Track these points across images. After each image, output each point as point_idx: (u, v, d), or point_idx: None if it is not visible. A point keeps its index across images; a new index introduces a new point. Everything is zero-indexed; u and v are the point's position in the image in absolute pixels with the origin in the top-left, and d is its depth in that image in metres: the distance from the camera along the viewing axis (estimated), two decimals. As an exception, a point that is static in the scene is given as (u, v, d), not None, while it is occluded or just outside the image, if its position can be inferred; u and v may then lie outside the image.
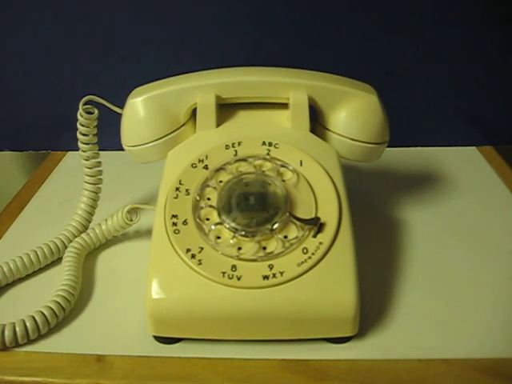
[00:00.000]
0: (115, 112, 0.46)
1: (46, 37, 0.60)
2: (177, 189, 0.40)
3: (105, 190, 0.50)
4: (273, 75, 0.44)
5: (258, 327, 0.36)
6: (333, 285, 0.36)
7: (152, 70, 0.50)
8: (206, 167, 0.41)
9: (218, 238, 0.38)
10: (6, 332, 0.37)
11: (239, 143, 0.42)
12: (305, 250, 0.37)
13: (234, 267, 0.36)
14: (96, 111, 0.46)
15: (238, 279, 0.35)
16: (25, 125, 0.67)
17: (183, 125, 0.44)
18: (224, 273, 0.36)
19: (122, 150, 0.46)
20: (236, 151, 0.42)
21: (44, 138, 0.67)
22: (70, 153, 0.67)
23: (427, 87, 0.62)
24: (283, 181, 0.40)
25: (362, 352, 0.37)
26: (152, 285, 0.36)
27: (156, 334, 0.38)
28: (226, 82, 0.44)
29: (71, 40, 0.60)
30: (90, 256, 0.47)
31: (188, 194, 0.40)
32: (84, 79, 0.62)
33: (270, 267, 0.36)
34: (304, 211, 0.38)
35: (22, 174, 0.73)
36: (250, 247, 0.37)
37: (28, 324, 0.38)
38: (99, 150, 0.48)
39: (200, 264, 0.36)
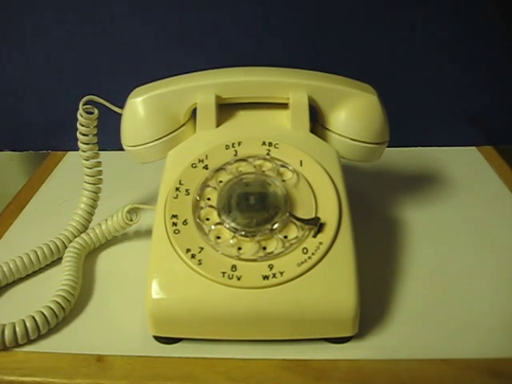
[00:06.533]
0: (115, 112, 0.46)
1: (46, 37, 0.60)
2: (177, 189, 0.40)
3: (105, 190, 0.50)
4: (273, 75, 0.44)
5: (258, 327, 0.36)
6: (333, 285, 0.36)
7: (152, 70, 0.50)
8: (206, 167, 0.41)
9: (218, 238, 0.38)
10: (6, 332, 0.37)
11: (239, 143, 0.42)
12: (305, 250, 0.37)
13: (234, 267, 0.36)
14: (96, 111, 0.46)
15: (238, 279, 0.35)
16: (25, 125, 0.67)
17: (183, 125, 0.44)
18: (224, 273, 0.36)
19: (122, 149, 0.46)
20: (236, 151, 0.42)
21: (44, 137, 0.67)
22: (69, 153, 0.67)
23: (427, 87, 0.62)
24: (283, 181, 0.40)
25: (362, 352, 0.37)
26: (152, 285, 0.36)
27: (156, 334, 0.38)
28: (225, 82, 0.44)
29: (71, 40, 0.60)
30: (90, 256, 0.47)
31: (188, 193, 0.40)
32: (84, 79, 0.62)
33: (270, 267, 0.36)
34: (304, 211, 0.38)
35: (22, 174, 0.73)
36: (250, 247, 0.37)
37: (28, 324, 0.38)
38: (99, 150, 0.48)
39: (200, 264, 0.36)
